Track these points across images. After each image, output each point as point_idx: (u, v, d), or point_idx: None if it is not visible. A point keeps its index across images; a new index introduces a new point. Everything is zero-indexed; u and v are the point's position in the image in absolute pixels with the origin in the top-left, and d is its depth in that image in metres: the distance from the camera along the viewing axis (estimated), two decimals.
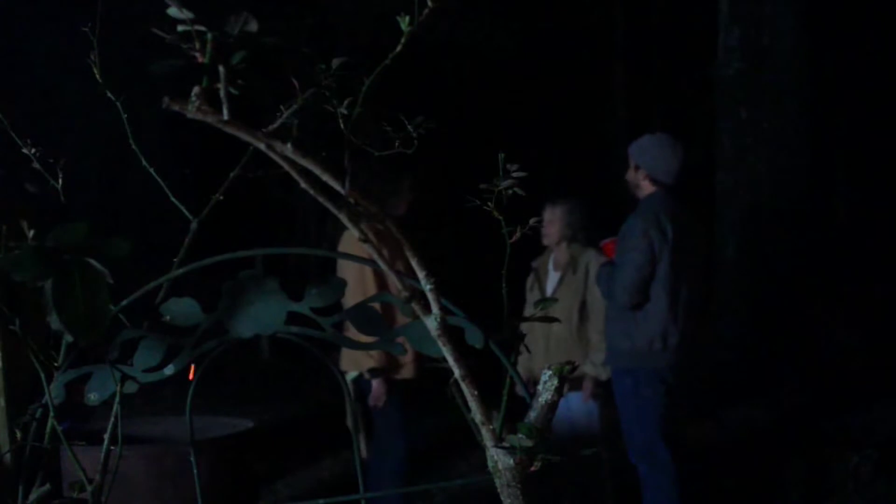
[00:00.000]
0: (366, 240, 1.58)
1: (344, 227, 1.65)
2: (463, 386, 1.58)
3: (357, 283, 4.75)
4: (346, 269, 4.77)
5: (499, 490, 1.60)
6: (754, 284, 8.64)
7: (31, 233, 1.58)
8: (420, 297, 1.60)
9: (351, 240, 4.85)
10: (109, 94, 1.95)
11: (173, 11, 1.34)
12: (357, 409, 5.08)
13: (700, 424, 6.96)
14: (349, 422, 5.29)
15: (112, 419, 1.82)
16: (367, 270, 4.77)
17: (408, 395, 5.06)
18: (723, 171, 8.91)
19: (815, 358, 8.41)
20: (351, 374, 5.04)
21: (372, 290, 4.80)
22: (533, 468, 1.57)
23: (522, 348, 1.69)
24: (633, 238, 4.71)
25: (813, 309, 8.74)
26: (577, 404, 5.16)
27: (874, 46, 12.98)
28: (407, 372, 5.00)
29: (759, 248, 8.69)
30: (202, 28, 1.34)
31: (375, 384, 4.96)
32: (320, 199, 1.50)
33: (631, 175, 4.89)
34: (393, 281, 1.66)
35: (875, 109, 13.44)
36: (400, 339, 1.81)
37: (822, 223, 10.08)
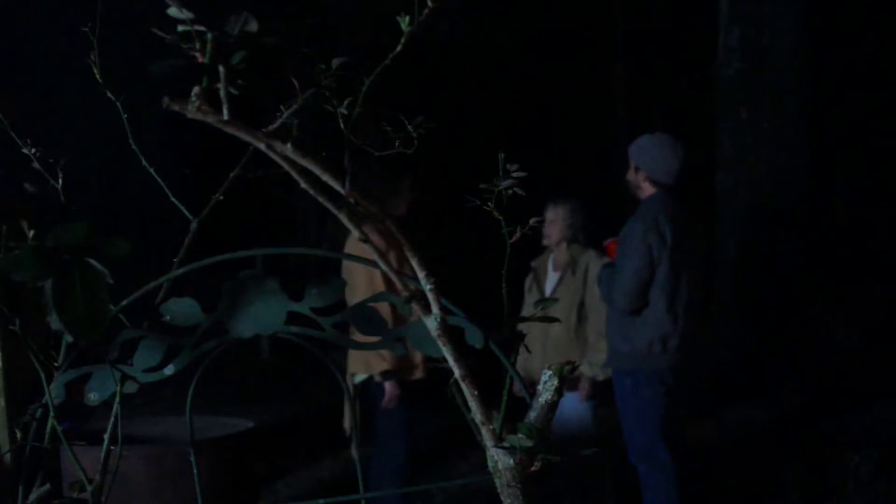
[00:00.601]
0: (366, 240, 1.58)
1: (346, 228, 1.65)
2: (463, 386, 1.58)
3: (367, 284, 4.75)
4: (354, 270, 4.76)
5: (499, 490, 1.60)
6: (754, 284, 8.64)
7: (31, 233, 1.58)
8: (420, 297, 1.60)
9: (356, 240, 4.84)
10: (109, 95, 1.95)
11: (173, 11, 1.34)
12: (357, 410, 5.08)
13: (700, 424, 6.96)
14: (346, 423, 5.29)
15: (112, 419, 1.82)
16: (376, 271, 4.77)
17: (414, 396, 5.07)
18: (723, 171, 8.91)
19: (815, 358, 8.41)
20: (359, 377, 5.04)
21: (381, 290, 4.79)
22: (533, 468, 1.57)
23: (522, 348, 1.69)
24: (632, 242, 4.71)
25: (813, 309, 8.75)
26: (572, 404, 5.16)
27: (874, 46, 12.99)
28: (418, 373, 5.01)
29: (759, 248, 8.70)
30: (202, 28, 1.34)
31: (389, 387, 4.96)
32: (320, 199, 1.50)
33: (631, 176, 4.89)
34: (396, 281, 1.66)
35: (875, 109, 13.44)
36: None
37: (822, 223, 10.08)
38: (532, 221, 1.61)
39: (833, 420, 7.19)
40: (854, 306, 9.94)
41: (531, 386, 1.69)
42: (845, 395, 7.77)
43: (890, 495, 5.83)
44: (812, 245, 8.83)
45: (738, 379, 8.20)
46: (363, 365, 4.98)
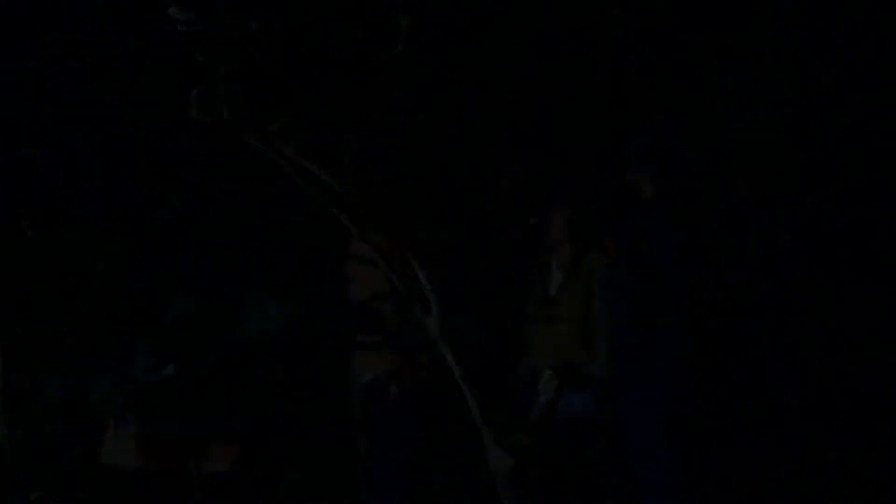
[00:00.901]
0: (367, 240, 1.59)
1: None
2: (463, 386, 1.59)
3: (369, 285, 4.76)
4: (356, 271, 4.77)
5: (499, 490, 1.60)
6: (754, 284, 8.63)
7: (32, 233, 1.59)
8: (421, 297, 1.61)
9: (358, 240, 4.84)
10: (109, 95, 1.96)
11: (173, 11, 1.34)
12: (360, 409, 5.09)
13: (700, 424, 6.95)
14: (352, 423, 5.30)
15: (119, 418, 1.83)
16: (378, 272, 4.77)
17: (419, 397, 5.08)
18: (723, 171, 8.90)
19: (816, 358, 8.41)
20: (365, 377, 5.05)
21: (383, 291, 4.80)
22: (533, 468, 1.57)
23: (523, 346, 1.70)
24: (631, 244, 4.72)
25: (813, 309, 8.74)
26: (578, 404, 5.16)
27: (874, 46, 12.97)
28: (422, 373, 5.01)
29: (759, 247, 8.69)
30: (202, 28, 1.35)
31: (394, 386, 4.97)
32: (321, 200, 1.50)
33: (631, 176, 4.90)
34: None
35: (875, 109, 13.42)
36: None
37: (821, 223, 10.07)
38: (533, 221, 1.62)
39: (833, 420, 7.18)
40: (854, 306, 9.92)
41: (533, 386, 1.70)
42: (845, 395, 7.76)
43: (890, 493, 5.83)
44: (811, 245, 8.82)
45: (737, 378, 8.20)
46: (370, 365, 4.99)
